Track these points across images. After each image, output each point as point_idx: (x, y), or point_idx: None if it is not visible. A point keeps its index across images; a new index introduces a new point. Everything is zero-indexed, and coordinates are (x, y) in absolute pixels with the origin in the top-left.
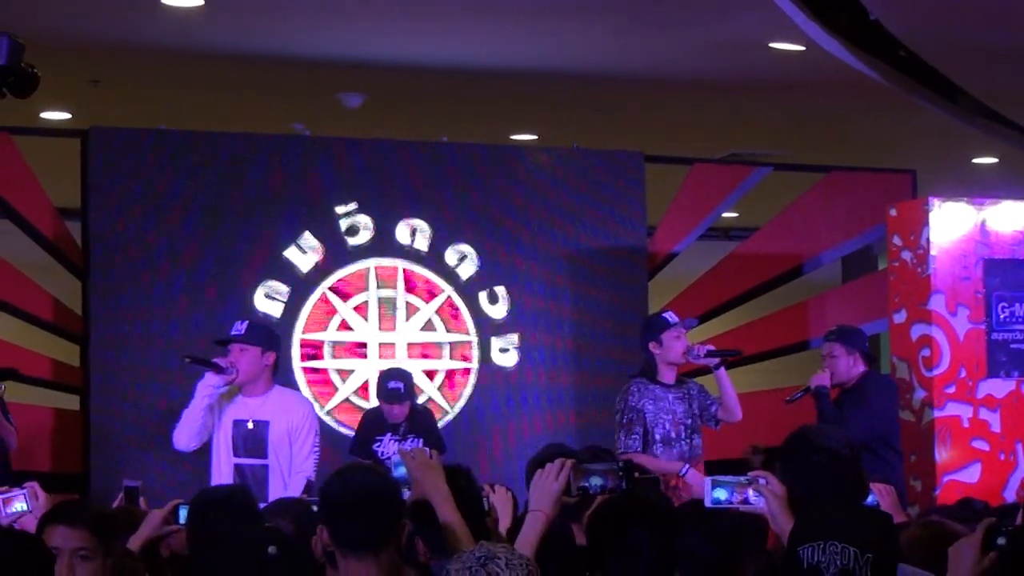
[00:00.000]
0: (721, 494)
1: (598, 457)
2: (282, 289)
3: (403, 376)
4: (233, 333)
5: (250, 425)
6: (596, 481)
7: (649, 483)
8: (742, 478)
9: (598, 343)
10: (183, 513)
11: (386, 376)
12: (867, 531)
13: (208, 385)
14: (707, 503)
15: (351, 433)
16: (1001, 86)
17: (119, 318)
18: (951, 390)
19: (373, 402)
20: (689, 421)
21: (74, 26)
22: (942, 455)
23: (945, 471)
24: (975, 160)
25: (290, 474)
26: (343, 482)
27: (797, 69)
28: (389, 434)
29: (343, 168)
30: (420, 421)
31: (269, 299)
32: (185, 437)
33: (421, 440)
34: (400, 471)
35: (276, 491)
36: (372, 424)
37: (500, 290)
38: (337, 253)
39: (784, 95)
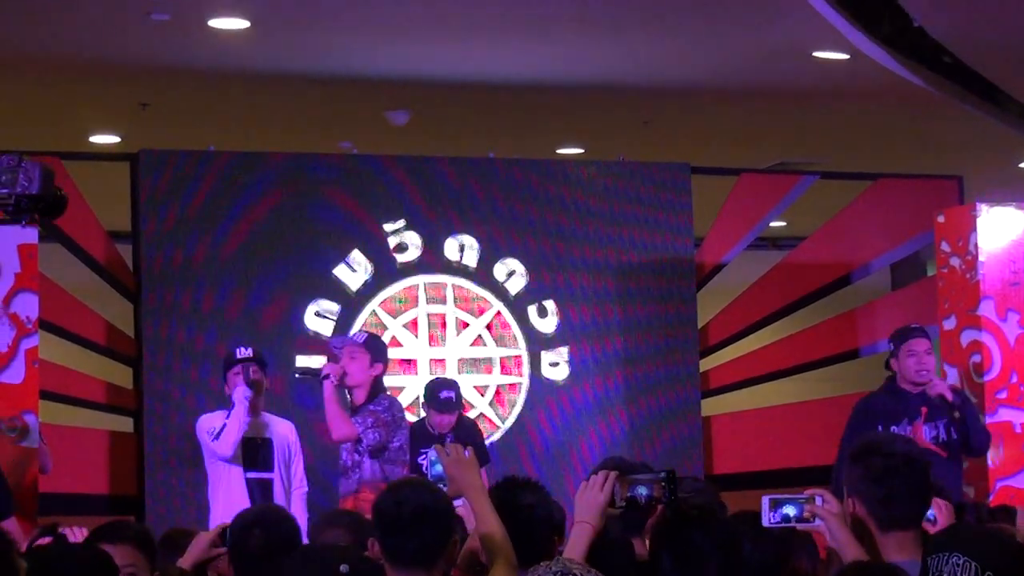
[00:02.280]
0: (790, 510)
1: (632, 468)
2: (332, 307)
3: (453, 385)
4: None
5: (259, 440)
6: (642, 491)
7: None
8: (800, 495)
9: (648, 355)
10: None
11: (437, 385)
12: (991, 549)
13: (245, 397)
14: (765, 522)
15: None
16: None
17: (171, 340)
18: (1003, 395)
19: (421, 416)
20: None
21: (122, 50)
22: (995, 460)
23: (998, 476)
24: (1022, 164)
25: (288, 490)
26: (397, 498)
27: (842, 77)
28: (435, 446)
29: (391, 185)
30: (466, 432)
31: (319, 317)
32: (231, 445)
33: (468, 451)
34: (436, 469)
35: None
36: (416, 437)
37: (549, 304)
38: (386, 270)
39: (829, 103)
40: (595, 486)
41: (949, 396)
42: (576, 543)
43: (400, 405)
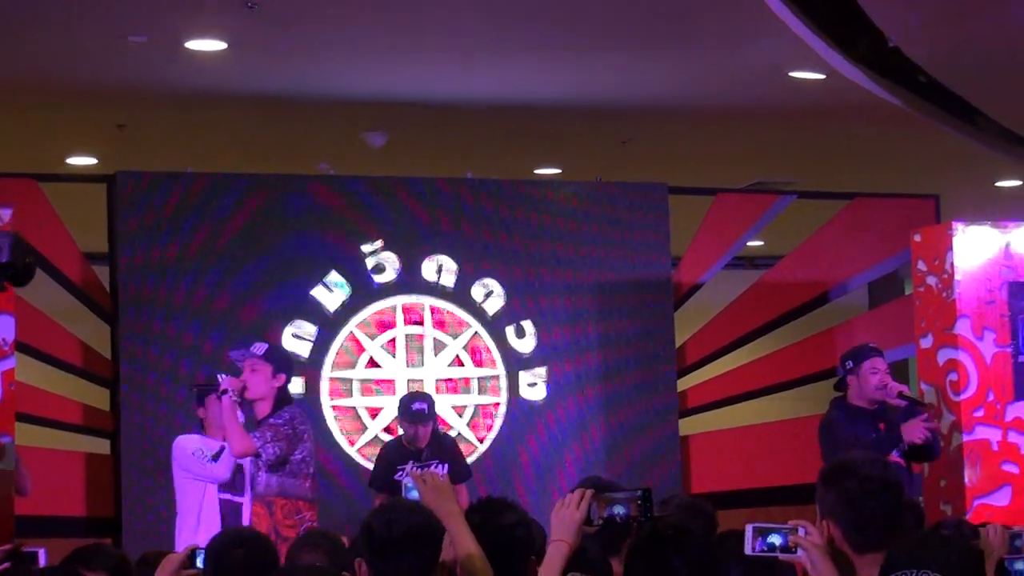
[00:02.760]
0: (776, 539)
1: (609, 487)
2: (310, 329)
3: (425, 397)
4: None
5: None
6: (619, 510)
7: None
8: (784, 526)
9: (625, 375)
10: (200, 558)
11: (409, 398)
12: (956, 562)
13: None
14: (748, 550)
15: None
16: (1023, 108)
17: (148, 361)
18: (979, 414)
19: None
20: None
21: (99, 72)
22: (972, 479)
23: (975, 495)
24: (998, 183)
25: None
26: (387, 519)
27: (818, 97)
28: (412, 462)
29: (368, 206)
30: (444, 447)
31: (297, 339)
32: (230, 468)
33: (447, 466)
34: (412, 495)
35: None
36: (393, 454)
37: (527, 324)
38: (364, 291)
39: (806, 123)
40: (571, 504)
41: (906, 390)
42: (552, 562)
43: (304, 417)
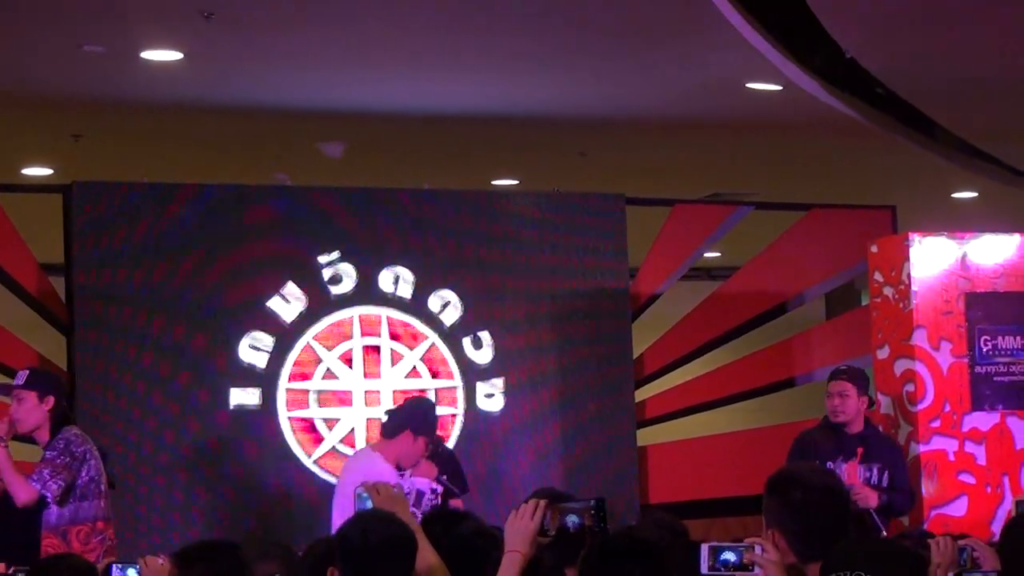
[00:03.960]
0: (730, 556)
1: (562, 497)
2: (267, 340)
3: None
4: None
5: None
6: (573, 519)
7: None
8: (740, 544)
9: (583, 385)
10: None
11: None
12: (893, 566)
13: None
14: (704, 569)
15: (334, 481)
16: (979, 121)
17: (104, 373)
18: (936, 424)
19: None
20: None
21: (54, 82)
22: (929, 489)
23: (932, 505)
24: (955, 195)
25: None
26: (363, 529)
27: (775, 108)
28: (409, 470)
29: (325, 217)
30: (443, 459)
31: (254, 350)
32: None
33: (446, 477)
34: (367, 505)
35: None
36: None
37: (484, 335)
38: (321, 302)
39: (763, 134)
40: (525, 515)
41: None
42: (506, 572)
43: (81, 439)
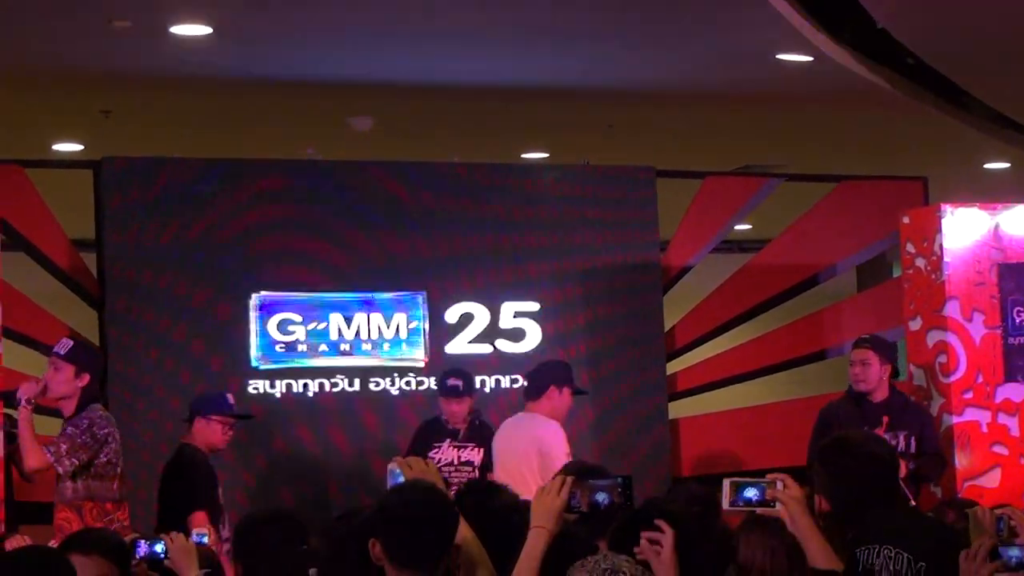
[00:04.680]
0: (752, 493)
1: (594, 472)
2: (295, 317)
3: (462, 374)
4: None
5: None
6: (601, 497)
7: None
8: (762, 480)
9: (614, 358)
10: (139, 549)
11: (447, 373)
12: (924, 540)
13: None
14: (726, 504)
15: None
16: (1011, 90)
17: (136, 347)
18: (969, 396)
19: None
20: None
21: (84, 58)
22: (962, 461)
23: (965, 477)
24: (987, 165)
25: None
26: (404, 498)
27: (806, 80)
28: (448, 440)
29: (355, 192)
30: (482, 432)
31: (283, 330)
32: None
33: (482, 451)
34: (399, 479)
35: None
36: (430, 431)
37: (515, 306)
38: (350, 279)
39: (794, 106)
40: (552, 491)
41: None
42: (532, 548)
43: (105, 421)
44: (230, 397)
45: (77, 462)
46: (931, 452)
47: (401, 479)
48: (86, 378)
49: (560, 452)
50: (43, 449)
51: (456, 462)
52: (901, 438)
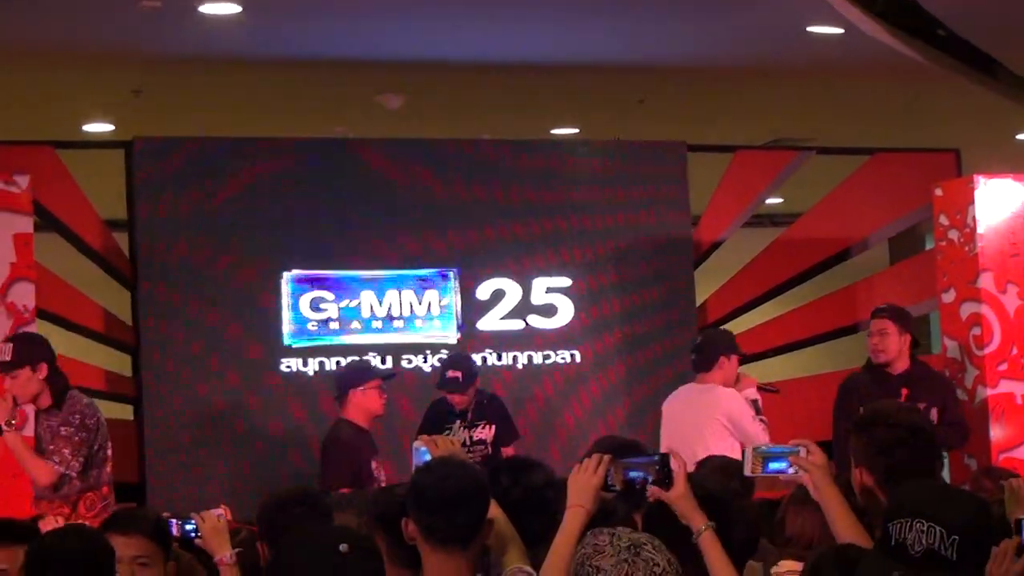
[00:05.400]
0: (774, 462)
1: (631, 449)
2: (328, 295)
3: (461, 364)
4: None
5: None
6: (637, 475)
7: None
8: (786, 447)
9: (646, 333)
10: (171, 527)
11: (445, 365)
12: (956, 513)
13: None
14: (747, 472)
15: None
16: None
17: (168, 326)
18: (1003, 368)
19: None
20: None
21: (114, 37)
22: (997, 433)
23: (1000, 449)
24: (1020, 136)
25: None
26: (438, 477)
27: (836, 52)
28: (458, 421)
29: (385, 169)
30: (491, 408)
31: (315, 308)
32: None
33: (494, 427)
34: (425, 459)
35: None
36: (440, 413)
37: (546, 281)
38: (382, 257)
39: (825, 78)
40: (588, 469)
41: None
42: (569, 527)
43: (91, 409)
44: (370, 359)
45: (83, 458)
46: (954, 422)
47: (428, 457)
48: (44, 368)
49: (749, 416)
50: (48, 463)
51: (468, 443)
52: (922, 409)
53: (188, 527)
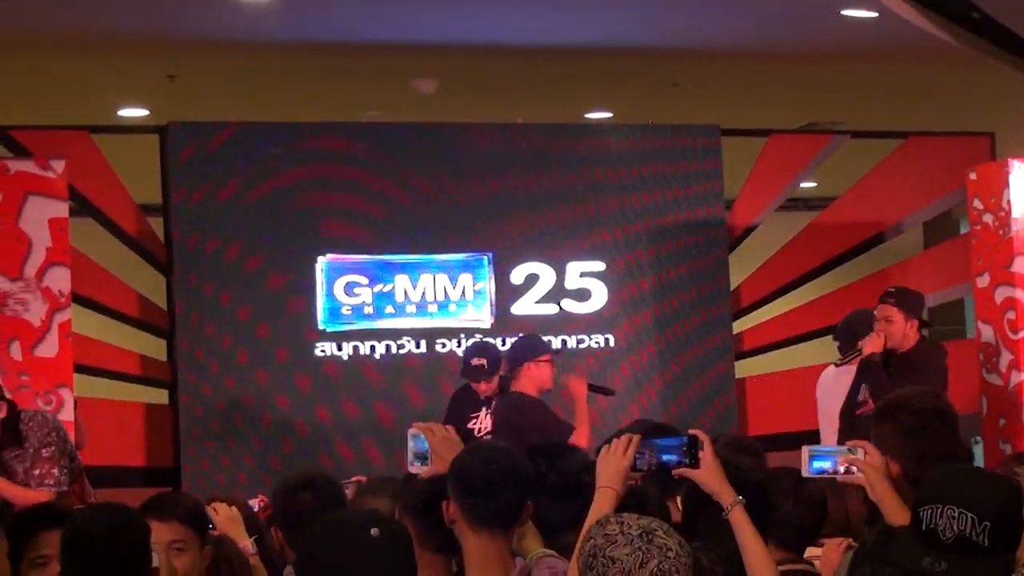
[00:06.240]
0: (824, 464)
1: (661, 431)
2: (362, 279)
3: (487, 352)
4: None
5: None
6: (667, 457)
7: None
8: (842, 448)
9: (680, 317)
10: None
11: (469, 352)
12: (988, 498)
13: None
14: (805, 472)
15: None
16: None
17: (203, 311)
18: None
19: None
20: None
21: (149, 22)
22: None
23: None
24: None
25: None
26: (481, 459)
27: (871, 35)
28: (484, 409)
29: (419, 153)
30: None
31: (349, 293)
32: None
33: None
34: (422, 445)
35: None
36: (465, 401)
37: (581, 266)
38: (414, 243)
39: (858, 62)
40: (617, 451)
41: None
42: (600, 508)
43: (57, 422)
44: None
45: (67, 471)
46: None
47: (425, 445)
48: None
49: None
50: (40, 490)
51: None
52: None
53: None
